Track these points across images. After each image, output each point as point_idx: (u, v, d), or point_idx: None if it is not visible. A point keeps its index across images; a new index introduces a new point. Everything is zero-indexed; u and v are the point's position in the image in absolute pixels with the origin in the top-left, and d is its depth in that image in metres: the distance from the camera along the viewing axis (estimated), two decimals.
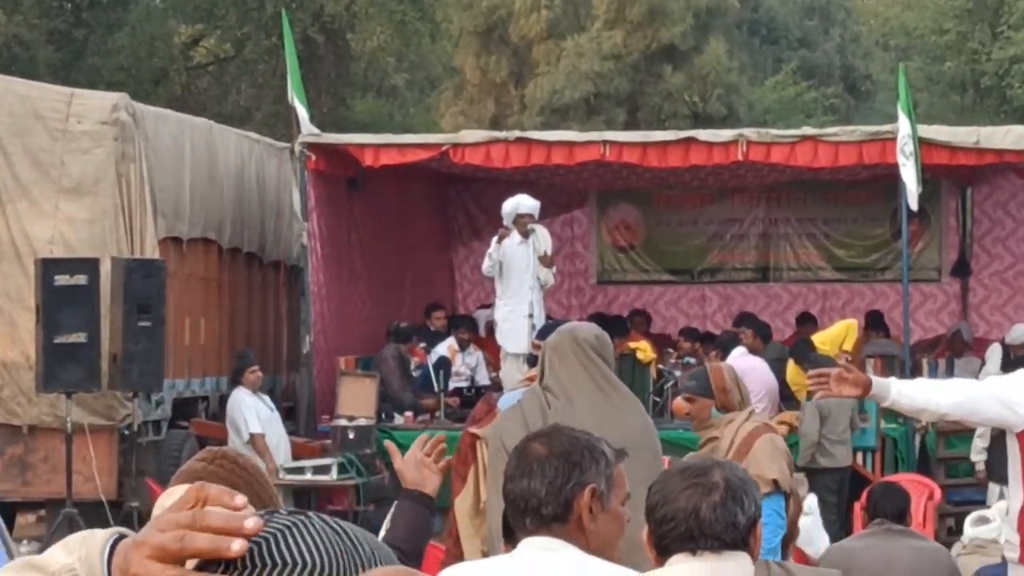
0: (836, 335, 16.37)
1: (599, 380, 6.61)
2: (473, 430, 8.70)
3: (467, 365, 17.57)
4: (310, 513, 1.75)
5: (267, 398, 15.50)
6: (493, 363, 17.55)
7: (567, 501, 3.60)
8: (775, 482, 7.88)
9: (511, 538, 3.71)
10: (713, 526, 3.34)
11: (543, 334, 9.99)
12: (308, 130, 16.52)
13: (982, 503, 12.95)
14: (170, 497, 3.17)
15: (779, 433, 8.64)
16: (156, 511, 3.17)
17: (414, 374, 17.09)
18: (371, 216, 18.64)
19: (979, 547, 9.48)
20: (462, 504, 8.11)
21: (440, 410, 16.39)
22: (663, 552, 3.40)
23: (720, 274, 20.94)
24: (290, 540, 1.70)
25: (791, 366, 15.97)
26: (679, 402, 8.37)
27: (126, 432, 14.49)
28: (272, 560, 1.68)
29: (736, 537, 3.37)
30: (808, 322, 18.74)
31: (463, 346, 17.64)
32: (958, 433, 16.14)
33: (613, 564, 3.59)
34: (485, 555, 7.36)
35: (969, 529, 9.85)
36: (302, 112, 16.48)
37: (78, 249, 14.29)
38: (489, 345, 17.76)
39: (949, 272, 20.24)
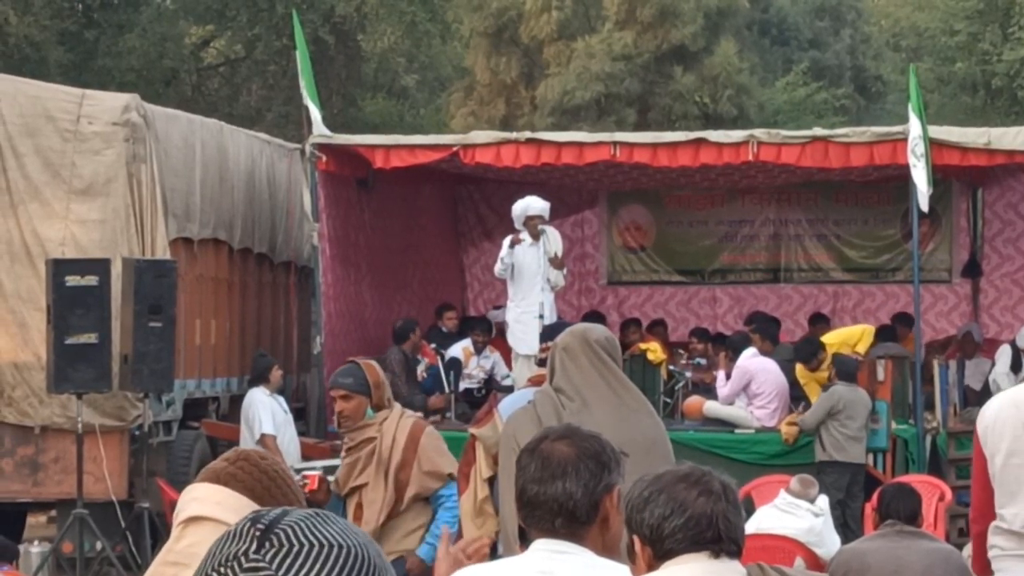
0: (849, 335, 16.35)
1: (612, 382, 6.59)
2: (471, 430, 8.72)
3: (481, 367, 17.49)
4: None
5: (283, 400, 15.48)
6: (506, 364, 17.49)
7: (596, 503, 3.60)
8: (449, 475, 7.89)
9: (525, 539, 3.70)
10: (735, 531, 3.36)
11: (547, 335, 9.96)
12: (320, 131, 16.51)
13: None
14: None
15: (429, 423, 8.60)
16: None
17: (424, 375, 17.02)
18: (381, 217, 18.63)
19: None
20: (465, 504, 8.13)
21: (451, 411, 16.37)
22: (663, 556, 3.39)
23: (731, 275, 20.89)
24: (317, 525, 1.81)
25: (799, 366, 15.95)
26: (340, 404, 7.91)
27: (137, 432, 14.50)
28: (301, 541, 1.79)
29: (743, 542, 3.41)
30: (820, 322, 18.72)
31: (479, 348, 17.55)
32: (969, 434, 16.12)
33: (623, 566, 3.59)
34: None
35: None
36: (315, 113, 16.47)
37: (89, 250, 14.29)
38: (500, 346, 17.72)
39: (960, 273, 20.19)
